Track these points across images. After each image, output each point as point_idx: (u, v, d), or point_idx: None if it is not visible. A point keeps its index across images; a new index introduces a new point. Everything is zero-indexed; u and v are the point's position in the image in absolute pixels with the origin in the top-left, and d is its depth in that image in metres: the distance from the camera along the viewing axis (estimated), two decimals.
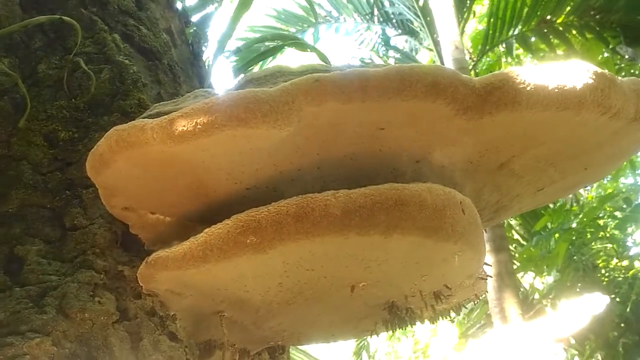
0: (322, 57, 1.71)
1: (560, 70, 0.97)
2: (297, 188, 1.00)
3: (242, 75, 1.36)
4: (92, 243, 1.00)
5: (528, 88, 0.94)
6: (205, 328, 1.07)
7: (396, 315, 1.12)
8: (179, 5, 1.75)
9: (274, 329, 1.12)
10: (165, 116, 0.89)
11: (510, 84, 0.94)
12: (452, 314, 1.22)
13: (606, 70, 1.01)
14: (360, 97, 0.91)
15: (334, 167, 1.00)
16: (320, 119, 0.92)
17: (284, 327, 1.12)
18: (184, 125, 0.88)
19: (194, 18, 1.90)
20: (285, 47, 1.79)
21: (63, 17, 1.25)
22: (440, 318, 1.18)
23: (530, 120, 0.97)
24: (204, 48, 1.79)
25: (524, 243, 6.88)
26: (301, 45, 1.73)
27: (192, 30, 1.79)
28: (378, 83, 0.90)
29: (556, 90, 0.95)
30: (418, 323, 1.19)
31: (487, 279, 1.17)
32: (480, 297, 1.19)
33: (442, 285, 1.08)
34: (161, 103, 1.03)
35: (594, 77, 0.98)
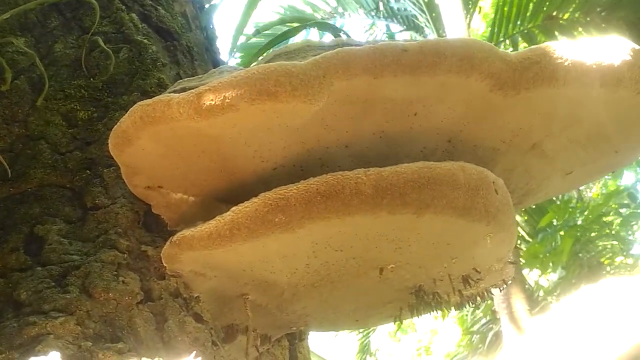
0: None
1: (598, 46, 0.94)
2: (325, 167, 0.97)
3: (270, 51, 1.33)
4: (114, 223, 0.97)
5: (566, 63, 0.91)
6: (228, 311, 1.04)
7: (422, 299, 1.09)
8: None
9: (298, 313, 1.09)
10: (192, 90, 0.86)
11: (548, 59, 0.91)
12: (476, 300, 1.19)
13: None
14: (393, 71, 0.88)
15: (363, 146, 0.97)
16: (351, 94, 0.89)
17: (308, 311, 1.09)
18: (212, 100, 0.84)
19: None
20: (308, 27, 1.75)
21: None
22: (467, 304, 1.15)
23: (566, 98, 0.94)
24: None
25: (529, 240, 6.84)
26: (322, 26, 1.70)
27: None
28: (411, 56, 0.87)
29: (594, 66, 0.92)
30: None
31: (515, 264, 1.14)
32: (508, 283, 1.16)
33: (471, 269, 1.05)
34: (185, 79, 1.00)
35: (632, 53, 0.95)
